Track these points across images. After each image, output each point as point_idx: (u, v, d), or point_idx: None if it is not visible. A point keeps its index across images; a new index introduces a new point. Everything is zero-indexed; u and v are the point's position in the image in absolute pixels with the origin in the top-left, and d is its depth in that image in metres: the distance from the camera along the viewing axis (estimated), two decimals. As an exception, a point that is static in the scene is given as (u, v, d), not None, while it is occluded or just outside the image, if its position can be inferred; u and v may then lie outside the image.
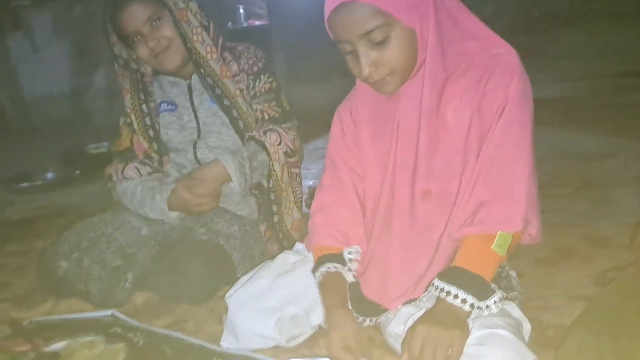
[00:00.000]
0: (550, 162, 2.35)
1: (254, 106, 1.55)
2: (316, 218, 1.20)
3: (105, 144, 3.24)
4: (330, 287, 1.12)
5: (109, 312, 1.39)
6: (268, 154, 1.51)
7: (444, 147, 1.06)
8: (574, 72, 4.52)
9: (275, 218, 1.58)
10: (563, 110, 3.48)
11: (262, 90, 1.56)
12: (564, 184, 2.13)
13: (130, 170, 1.55)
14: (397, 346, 1.07)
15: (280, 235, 1.59)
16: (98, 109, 4.87)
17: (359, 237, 1.17)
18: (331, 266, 1.13)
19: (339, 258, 1.14)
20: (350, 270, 1.14)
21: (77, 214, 2.38)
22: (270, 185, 1.55)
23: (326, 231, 1.17)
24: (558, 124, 3.02)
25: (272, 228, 1.59)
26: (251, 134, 1.52)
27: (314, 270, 1.15)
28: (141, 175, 1.55)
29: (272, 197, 1.56)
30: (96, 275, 1.40)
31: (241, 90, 1.54)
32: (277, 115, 1.57)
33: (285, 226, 1.59)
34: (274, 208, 1.57)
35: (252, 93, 1.55)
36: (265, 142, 1.50)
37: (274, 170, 1.53)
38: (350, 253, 1.15)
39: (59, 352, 1.20)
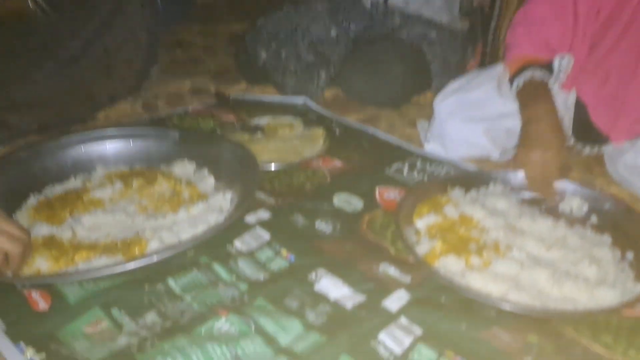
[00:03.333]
0: None
1: None
2: (520, 29, 1.04)
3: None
4: (533, 97, 0.97)
5: (301, 99, 1.41)
6: None
7: None
8: None
9: (491, 36, 1.41)
10: None
11: None
12: None
13: None
14: (632, 179, 0.96)
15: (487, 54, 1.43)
16: None
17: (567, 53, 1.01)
18: (536, 73, 0.98)
19: (545, 67, 0.99)
20: (557, 80, 1.00)
21: (254, 2, 2.36)
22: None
23: (531, 41, 1.01)
24: None
25: (484, 45, 1.43)
26: None
27: (512, 79, 1.02)
28: None
29: (497, 12, 1.37)
30: (292, 69, 1.38)
31: None
32: None
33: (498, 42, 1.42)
34: (492, 24, 1.39)
35: None
36: None
37: None
38: (561, 60, 0.99)
39: (262, 126, 1.25)
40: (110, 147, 1.07)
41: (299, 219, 0.93)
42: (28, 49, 1.35)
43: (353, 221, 0.93)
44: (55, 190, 0.98)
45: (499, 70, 1.11)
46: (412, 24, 1.38)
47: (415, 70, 1.32)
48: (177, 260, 0.81)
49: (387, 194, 1.01)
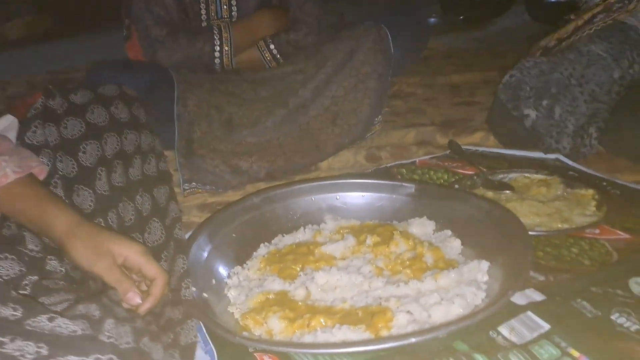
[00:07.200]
0: None
1: None
2: None
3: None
4: None
5: (553, 155, 1.17)
6: None
7: None
8: None
9: None
10: None
11: None
12: None
13: None
14: None
15: None
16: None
17: None
18: None
19: None
20: None
21: (471, 55, 2.23)
22: None
23: None
24: None
25: None
26: None
27: None
28: None
29: None
30: (570, 130, 1.13)
31: None
32: None
33: None
34: None
35: None
36: None
37: None
38: None
39: (510, 182, 1.04)
40: (341, 198, 0.97)
41: (586, 307, 0.69)
42: (261, 97, 1.38)
43: (669, 319, 0.66)
44: (285, 240, 0.90)
45: None
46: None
47: None
48: (426, 343, 0.64)
49: None
